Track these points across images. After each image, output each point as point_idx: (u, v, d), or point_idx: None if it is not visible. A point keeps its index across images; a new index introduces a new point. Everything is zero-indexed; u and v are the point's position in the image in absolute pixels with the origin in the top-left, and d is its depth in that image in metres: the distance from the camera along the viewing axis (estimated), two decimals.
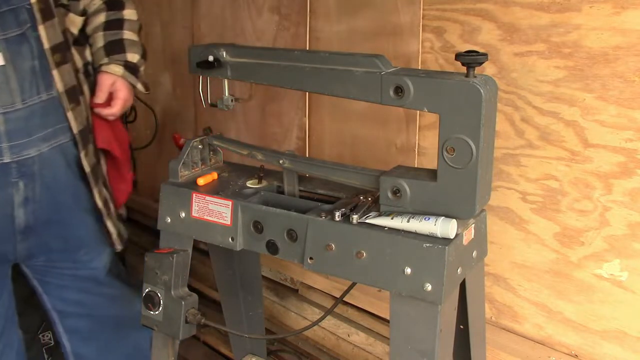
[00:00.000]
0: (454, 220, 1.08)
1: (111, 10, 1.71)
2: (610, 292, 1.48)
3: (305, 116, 2.15)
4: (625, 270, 1.45)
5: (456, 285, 1.15)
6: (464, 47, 1.63)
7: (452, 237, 1.08)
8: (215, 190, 1.39)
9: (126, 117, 2.77)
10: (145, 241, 2.92)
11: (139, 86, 1.66)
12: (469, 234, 1.14)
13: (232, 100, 1.46)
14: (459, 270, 1.12)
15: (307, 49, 2.07)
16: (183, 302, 1.38)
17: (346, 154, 2.04)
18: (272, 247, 1.28)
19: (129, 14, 1.75)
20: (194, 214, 1.38)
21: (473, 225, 1.16)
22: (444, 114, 1.06)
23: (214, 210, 1.35)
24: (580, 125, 1.46)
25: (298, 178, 1.38)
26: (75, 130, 1.54)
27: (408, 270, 1.09)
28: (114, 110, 1.66)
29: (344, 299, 1.40)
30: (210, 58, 1.35)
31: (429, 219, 1.09)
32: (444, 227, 1.08)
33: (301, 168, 1.34)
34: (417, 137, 1.82)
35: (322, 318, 1.38)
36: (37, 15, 1.40)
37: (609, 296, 1.48)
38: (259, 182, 1.43)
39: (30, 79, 1.41)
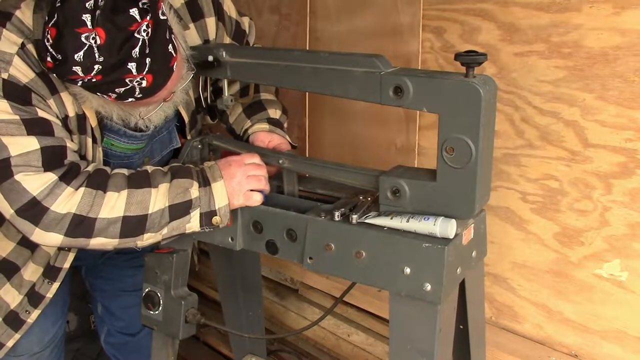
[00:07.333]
0: (454, 220, 1.08)
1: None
2: (610, 292, 1.48)
3: (305, 116, 2.15)
4: (625, 270, 1.45)
5: (455, 285, 1.15)
6: (464, 47, 1.63)
7: (451, 237, 1.08)
8: None
9: None
10: None
11: (288, 139, 1.53)
12: (468, 234, 1.14)
13: (231, 100, 1.46)
14: (458, 270, 1.12)
15: (307, 49, 2.07)
16: (183, 302, 1.38)
17: (346, 154, 2.03)
18: (271, 247, 1.28)
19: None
20: None
21: (472, 225, 1.16)
22: (444, 114, 1.06)
23: None
24: (580, 125, 1.46)
25: (298, 178, 1.38)
26: None
27: (407, 270, 1.09)
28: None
29: (344, 299, 1.40)
30: (210, 58, 1.35)
31: (428, 219, 1.09)
32: (444, 227, 1.08)
33: (301, 168, 1.34)
34: (417, 137, 1.82)
35: (322, 318, 1.38)
36: (187, 129, 1.53)
37: (609, 296, 1.48)
38: None
39: None
